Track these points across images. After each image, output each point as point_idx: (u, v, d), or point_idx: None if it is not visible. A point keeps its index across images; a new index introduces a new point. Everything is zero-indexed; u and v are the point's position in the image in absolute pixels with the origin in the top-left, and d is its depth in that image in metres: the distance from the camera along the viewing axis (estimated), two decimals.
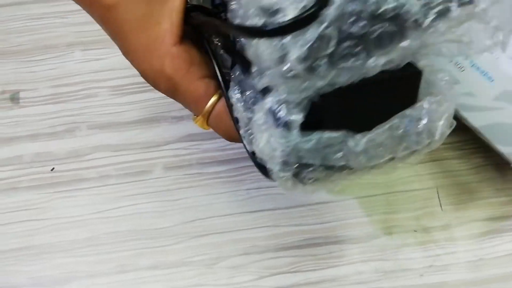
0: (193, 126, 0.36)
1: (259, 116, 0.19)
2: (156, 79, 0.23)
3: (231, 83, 0.22)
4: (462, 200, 0.33)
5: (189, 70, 0.22)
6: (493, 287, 0.30)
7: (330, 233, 0.32)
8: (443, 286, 0.30)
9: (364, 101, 0.19)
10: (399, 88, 0.20)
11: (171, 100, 0.38)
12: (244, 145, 0.22)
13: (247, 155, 0.34)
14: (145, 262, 0.31)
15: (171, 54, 0.22)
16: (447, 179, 0.34)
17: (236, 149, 0.35)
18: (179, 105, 0.36)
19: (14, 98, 0.37)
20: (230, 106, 0.22)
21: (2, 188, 0.34)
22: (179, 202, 0.33)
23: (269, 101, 0.19)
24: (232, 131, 0.23)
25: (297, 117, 0.18)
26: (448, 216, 0.33)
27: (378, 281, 0.31)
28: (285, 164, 0.19)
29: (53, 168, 0.34)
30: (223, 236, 0.32)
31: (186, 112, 0.36)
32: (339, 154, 0.19)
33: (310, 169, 0.19)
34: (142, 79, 0.39)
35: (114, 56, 0.38)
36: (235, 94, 0.22)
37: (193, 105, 0.23)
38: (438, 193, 0.33)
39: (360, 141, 0.19)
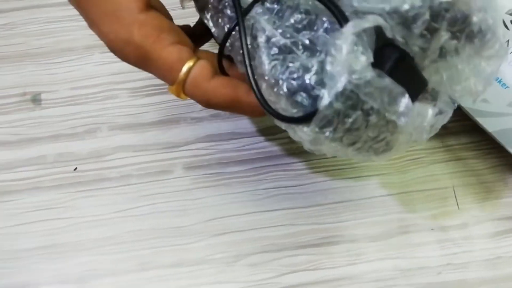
0: (212, 127, 0.37)
1: (339, 40, 0.19)
2: (124, 50, 0.22)
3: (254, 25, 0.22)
4: (479, 200, 0.33)
5: (159, 36, 0.21)
6: (511, 285, 0.30)
7: (348, 231, 0.33)
8: (461, 284, 0.31)
9: (404, 75, 0.21)
10: (411, 83, 0.22)
11: (190, 101, 0.39)
12: (256, 92, 0.22)
13: (264, 155, 0.35)
14: (167, 260, 0.32)
15: (138, 22, 0.21)
16: (464, 178, 0.34)
17: (254, 149, 0.36)
18: (198, 107, 0.37)
19: (35, 100, 0.38)
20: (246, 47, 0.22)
21: (26, 188, 0.34)
22: (198, 201, 0.34)
23: (350, 30, 0.19)
24: (210, 95, 0.22)
25: (369, 56, 0.20)
26: (465, 215, 0.33)
27: (395, 279, 0.31)
28: (341, 95, 0.20)
29: (76, 168, 0.35)
30: (242, 234, 0.33)
31: (205, 113, 0.37)
32: (397, 108, 0.20)
33: (355, 114, 0.20)
34: (161, 81, 0.40)
35: None
36: (263, 33, 0.21)
37: (167, 72, 0.22)
38: (454, 192, 0.34)
39: (413, 104, 0.21)
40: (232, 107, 0.23)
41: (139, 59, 0.22)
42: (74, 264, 0.32)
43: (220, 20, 0.24)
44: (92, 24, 0.22)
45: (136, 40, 0.21)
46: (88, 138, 0.36)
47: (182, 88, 0.23)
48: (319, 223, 0.33)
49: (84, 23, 0.41)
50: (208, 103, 0.23)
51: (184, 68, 0.22)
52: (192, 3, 0.27)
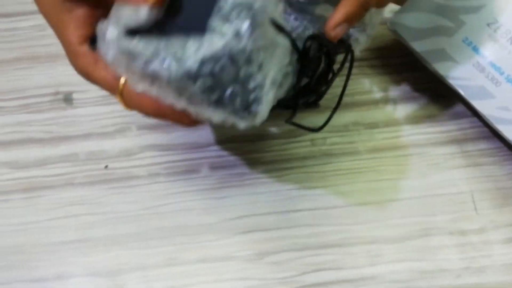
0: (235, 129, 0.38)
1: None
2: (77, 70, 0.28)
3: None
4: (497, 205, 0.34)
5: (96, 63, 0.27)
6: None
7: (368, 233, 0.34)
8: (480, 287, 0.32)
9: None
10: None
11: None
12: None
13: (287, 157, 0.36)
14: (193, 256, 0.33)
15: (79, 53, 0.27)
16: (482, 184, 0.35)
17: (277, 151, 0.37)
18: None
19: (67, 99, 0.39)
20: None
21: (59, 184, 0.36)
22: (224, 200, 0.35)
23: None
24: (144, 105, 0.27)
25: None
26: (484, 220, 0.34)
27: (415, 281, 0.32)
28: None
29: (107, 166, 0.36)
30: (266, 233, 0.34)
31: None
32: None
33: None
34: None
35: None
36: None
37: (110, 89, 0.28)
38: (473, 197, 0.35)
39: None
40: (160, 116, 0.27)
41: (87, 78, 0.28)
42: (105, 258, 0.33)
43: None
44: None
45: (80, 66, 0.28)
46: (118, 137, 0.37)
47: (123, 101, 0.28)
48: (340, 224, 0.34)
49: None
50: (143, 113, 0.28)
51: (120, 85, 0.27)
52: None
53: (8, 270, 0.33)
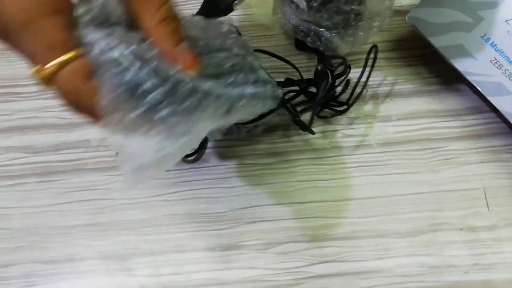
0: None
1: None
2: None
3: None
4: (509, 202, 0.33)
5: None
6: None
7: (377, 226, 0.33)
8: (488, 284, 0.31)
9: None
10: None
11: None
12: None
13: (297, 148, 0.36)
14: (202, 243, 0.33)
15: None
16: (495, 181, 0.34)
17: (286, 142, 0.37)
18: None
19: None
20: None
21: (71, 169, 0.36)
22: (233, 189, 0.35)
23: None
24: (83, 96, 0.21)
25: None
26: (495, 217, 0.33)
27: (422, 275, 0.32)
28: None
29: (117, 153, 0.37)
30: (274, 223, 0.34)
31: None
32: None
33: None
34: None
35: None
36: None
37: (46, 49, 0.21)
38: (485, 193, 0.34)
39: None
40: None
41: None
42: (115, 242, 0.34)
43: None
44: None
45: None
46: None
47: (55, 72, 0.21)
48: (349, 217, 0.34)
49: None
50: (77, 102, 0.22)
51: (70, 54, 0.21)
52: None
53: (22, 251, 0.34)
